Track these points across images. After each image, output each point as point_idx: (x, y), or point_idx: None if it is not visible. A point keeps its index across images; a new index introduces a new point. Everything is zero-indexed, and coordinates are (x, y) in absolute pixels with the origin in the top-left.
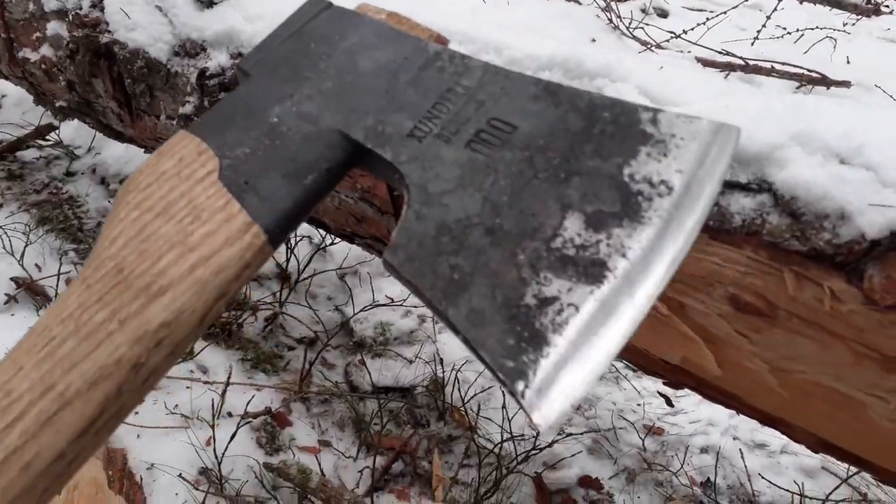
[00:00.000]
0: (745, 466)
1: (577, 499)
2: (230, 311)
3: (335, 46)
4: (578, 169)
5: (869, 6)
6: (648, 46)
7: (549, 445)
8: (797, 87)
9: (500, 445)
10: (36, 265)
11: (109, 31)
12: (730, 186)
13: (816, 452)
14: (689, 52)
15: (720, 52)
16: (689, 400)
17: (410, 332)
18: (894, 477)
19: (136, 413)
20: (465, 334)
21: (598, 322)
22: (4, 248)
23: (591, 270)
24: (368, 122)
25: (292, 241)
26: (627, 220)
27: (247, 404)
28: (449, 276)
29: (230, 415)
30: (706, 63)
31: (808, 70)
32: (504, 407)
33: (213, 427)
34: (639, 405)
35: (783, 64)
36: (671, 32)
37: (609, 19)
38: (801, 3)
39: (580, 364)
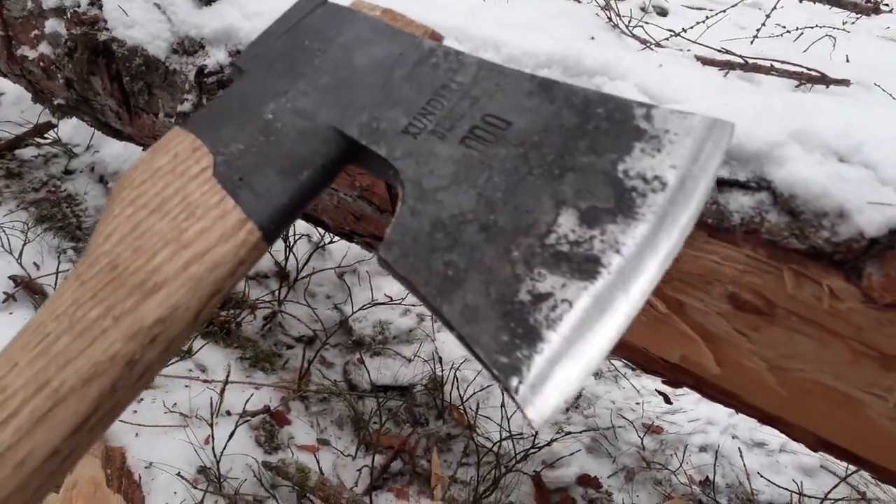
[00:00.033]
0: (744, 465)
1: (575, 497)
2: (229, 310)
3: (330, 43)
4: (573, 165)
5: (868, 5)
6: (648, 45)
7: (548, 444)
8: (796, 86)
9: (498, 444)
10: (34, 263)
11: (108, 28)
12: (728, 184)
13: (815, 451)
14: (689, 50)
15: (720, 51)
16: (687, 398)
17: (409, 331)
18: (893, 475)
19: (135, 412)
20: (459, 330)
21: (591, 318)
22: (3, 246)
23: (585, 266)
24: (363, 118)
25: (291, 240)
26: (621, 215)
27: (245, 403)
28: (443, 273)
29: (229, 413)
30: (706, 61)
31: (808, 68)
32: (503, 405)
33: (211, 426)
34: (638, 404)
35: (782, 62)
36: (671, 31)
37: (608, 17)
38: (800, 1)
39: (574, 359)
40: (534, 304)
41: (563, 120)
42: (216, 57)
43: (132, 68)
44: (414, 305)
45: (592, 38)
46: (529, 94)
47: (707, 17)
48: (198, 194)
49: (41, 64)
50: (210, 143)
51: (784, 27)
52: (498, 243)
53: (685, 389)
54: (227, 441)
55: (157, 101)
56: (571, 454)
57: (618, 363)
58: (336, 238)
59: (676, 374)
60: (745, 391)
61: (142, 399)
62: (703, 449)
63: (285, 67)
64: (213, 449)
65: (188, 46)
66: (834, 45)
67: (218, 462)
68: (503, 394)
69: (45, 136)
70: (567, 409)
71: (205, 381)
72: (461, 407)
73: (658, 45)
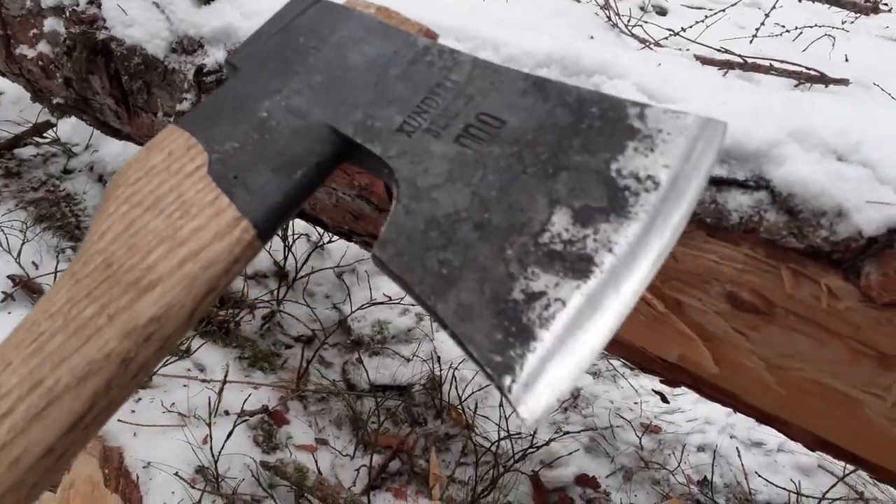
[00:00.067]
0: (742, 465)
1: (574, 497)
2: (227, 309)
3: (324, 41)
4: (566, 164)
5: (867, 4)
6: (647, 44)
7: (546, 444)
8: (795, 85)
9: (497, 444)
10: (33, 263)
11: (106, 27)
12: (727, 183)
13: (813, 450)
14: (688, 49)
15: (719, 50)
16: (686, 398)
17: (408, 331)
18: (891, 475)
19: (133, 411)
20: (453, 329)
21: (584, 317)
22: (1, 245)
23: (578, 265)
24: (357, 116)
25: (290, 239)
26: (614, 215)
27: (244, 402)
28: (437, 271)
29: (227, 413)
30: (705, 61)
31: (807, 68)
32: (501, 405)
33: (209, 425)
34: (636, 403)
35: (782, 62)
36: (670, 30)
37: (607, 17)
38: (799, 1)
39: (566, 358)
40: (527, 302)
41: (556, 119)
42: (215, 56)
43: (131, 67)
44: (413, 305)
45: (591, 37)
46: (524, 93)
47: (706, 17)
48: (192, 192)
49: (40, 63)
50: (205, 141)
51: (783, 27)
52: (492, 242)
53: (683, 389)
54: (226, 441)
55: (156, 100)
56: (570, 454)
57: (616, 363)
58: (335, 237)
59: (675, 374)
60: (744, 390)
61: (140, 398)
62: (701, 448)
63: (279, 65)
64: (211, 448)
65: (187, 45)
66: (833, 45)
67: (216, 462)
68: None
69: (44, 135)
70: (566, 409)
71: (203, 381)
72: (459, 406)
73: (657, 44)
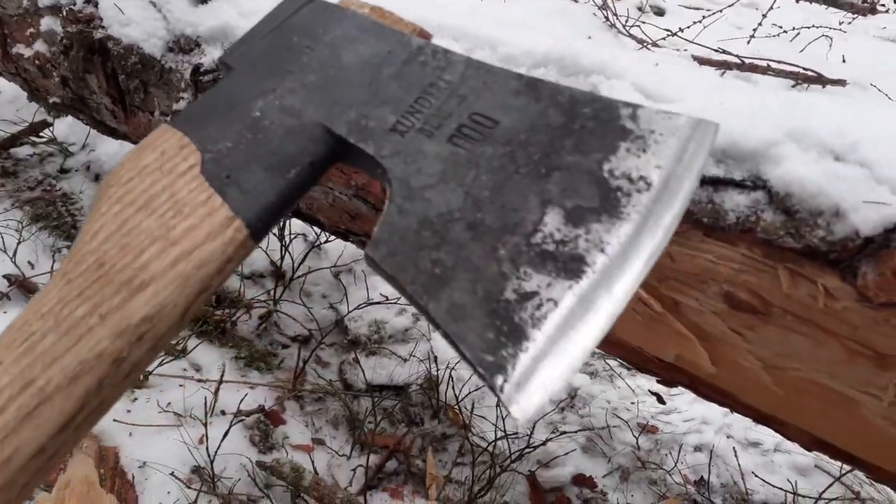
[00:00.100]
0: (739, 465)
1: (570, 497)
2: (224, 309)
3: (318, 40)
4: (559, 164)
5: (865, 5)
6: (645, 44)
7: (543, 444)
8: (793, 85)
9: (493, 444)
10: (29, 262)
11: (103, 26)
12: (724, 183)
13: (810, 450)
14: (686, 50)
15: (716, 51)
16: (682, 398)
17: (405, 331)
18: (887, 474)
19: (129, 411)
20: (445, 328)
21: (576, 317)
22: None
23: (570, 266)
24: (351, 115)
25: (286, 239)
26: (606, 215)
27: (240, 402)
28: (430, 271)
29: (223, 413)
30: (702, 61)
31: (804, 68)
32: (498, 405)
33: (205, 425)
34: (633, 403)
35: (779, 62)
36: (667, 30)
37: (605, 17)
38: (797, 1)
39: (558, 358)
40: (519, 302)
41: (549, 119)
42: (212, 55)
43: (128, 66)
44: (409, 305)
45: (589, 37)
46: (517, 93)
47: (704, 17)
48: (185, 192)
49: (36, 62)
50: (198, 140)
51: (781, 27)
52: (485, 242)
53: (680, 389)
54: (222, 441)
55: (153, 100)
56: (566, 454)
57: (613, 362)
58: (332, 237)
59: (671, 374)
60: (741, 390)
61: (136, 398)
62: (697, 448)
63: (273, 65)
64: (207, 448)
65: (184, 45)
66: (830, 45)
67: (212, 462)
68: None
69: (41, 134)
70: (562, 409)
71: (199, 381)
72: (456, 406)
73: (655, 44)
